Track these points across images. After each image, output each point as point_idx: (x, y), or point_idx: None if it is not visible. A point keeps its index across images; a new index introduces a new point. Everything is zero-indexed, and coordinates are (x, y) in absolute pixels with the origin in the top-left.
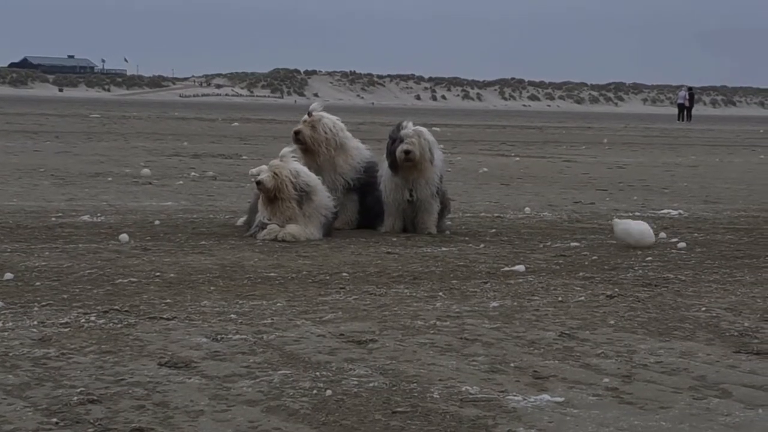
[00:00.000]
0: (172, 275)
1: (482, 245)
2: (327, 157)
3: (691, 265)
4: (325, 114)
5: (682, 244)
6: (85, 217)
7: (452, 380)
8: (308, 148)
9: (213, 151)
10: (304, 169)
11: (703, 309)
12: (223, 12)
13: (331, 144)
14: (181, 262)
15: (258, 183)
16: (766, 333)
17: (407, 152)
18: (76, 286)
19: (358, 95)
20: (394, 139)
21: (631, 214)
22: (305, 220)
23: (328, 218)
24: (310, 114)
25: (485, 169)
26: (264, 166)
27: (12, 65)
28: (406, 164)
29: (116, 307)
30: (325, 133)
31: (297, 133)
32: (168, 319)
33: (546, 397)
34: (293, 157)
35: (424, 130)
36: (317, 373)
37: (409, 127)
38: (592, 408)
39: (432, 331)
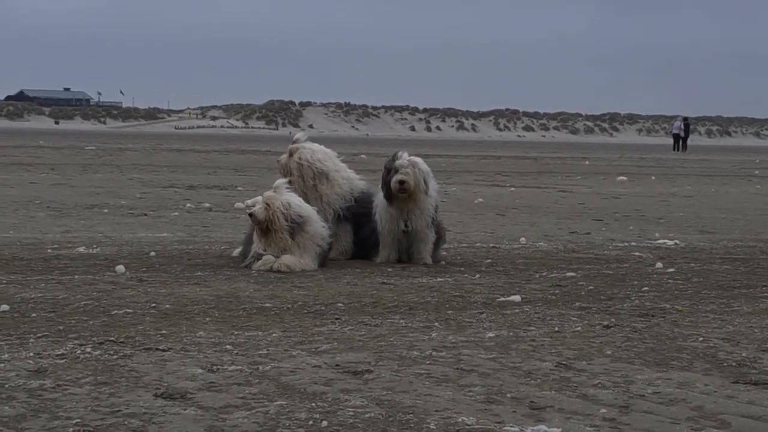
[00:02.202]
0: (167, 306)
1: (478, 275)
2: (306, 186)
3: (688, 296)
4: (307, 144)
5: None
6: (81, 249)
7: (448, 411)
8: (288, 176)
9: (208, 182)
10: (296, 200)
11: (701, 339)
12: (218, 44)
13: (306, 172)
14: (177, 293)
15: (250, 215)
16: (764, 363)
17: (402, 182)
18: (72, 317)
19: (353, 126)
20: (389, 170)
21: (626, 244)
22: (300, 250)
23: (323, 248)
24: (294, 142)
25: (480, 200)
26: (260, 197)
27: (8, 98)
28: (400, 195)
29: (112, 338)
30: (299, 160)
31: (278, 161)
32: (163, 350)
33: (543, 427)
34: (287, 188)
35: (418, 160)
36: (313, 404)
37: (403, 158)
38: None
39: (428, 362)
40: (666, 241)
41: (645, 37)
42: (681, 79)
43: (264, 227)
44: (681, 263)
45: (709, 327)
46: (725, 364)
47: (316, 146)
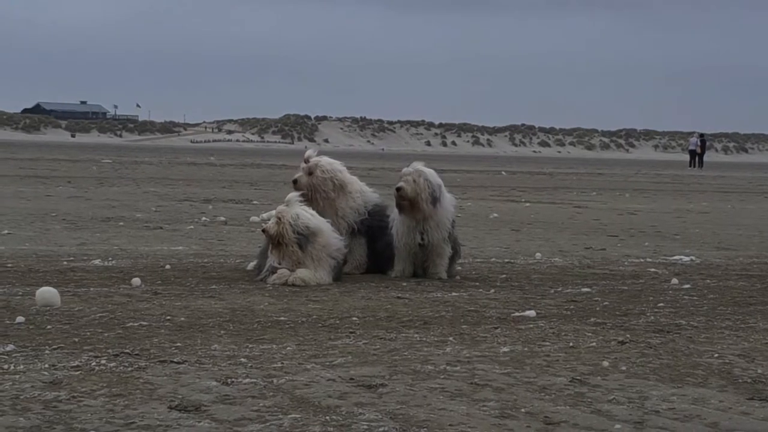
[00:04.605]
0: (182, 319)
1: (493, 290)
2: (327, 200)
3: (704, 312)
4: (322, 158)
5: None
6: (97, 261)
7: (463, 425)
8: (308, 194)
9: (224, 196)
10: (306, 213)
11: (716, 355)
12: (234, 58)
13: (329, 186)
14: (192, 306)
15: (263, 230)
16: None
17: (398, 189)
18: (87, 329)
19: (369, 141)
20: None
21: (642, 260)
22: (314, 263)
23: (338, 260)
24: (306, 161)
25: (496, 215)
26: (274, 211)
27: (25, 111)
28: (401, 202)
29: (127, 350)
30: (323, 174)
31: (295, 182)
32: (178, 363)
33: None
34: (299, 201)
35: (426, 170)
36: (327, 418)
37: (411, 167)
38: None
39: (442, 376)
40: (682, 257)
41: (662, 53)
42: (698, 95)
43: (276, 241)
44: (697, 279)
45: (724, 343)
46: (740, 381)
47: (331, 160)
